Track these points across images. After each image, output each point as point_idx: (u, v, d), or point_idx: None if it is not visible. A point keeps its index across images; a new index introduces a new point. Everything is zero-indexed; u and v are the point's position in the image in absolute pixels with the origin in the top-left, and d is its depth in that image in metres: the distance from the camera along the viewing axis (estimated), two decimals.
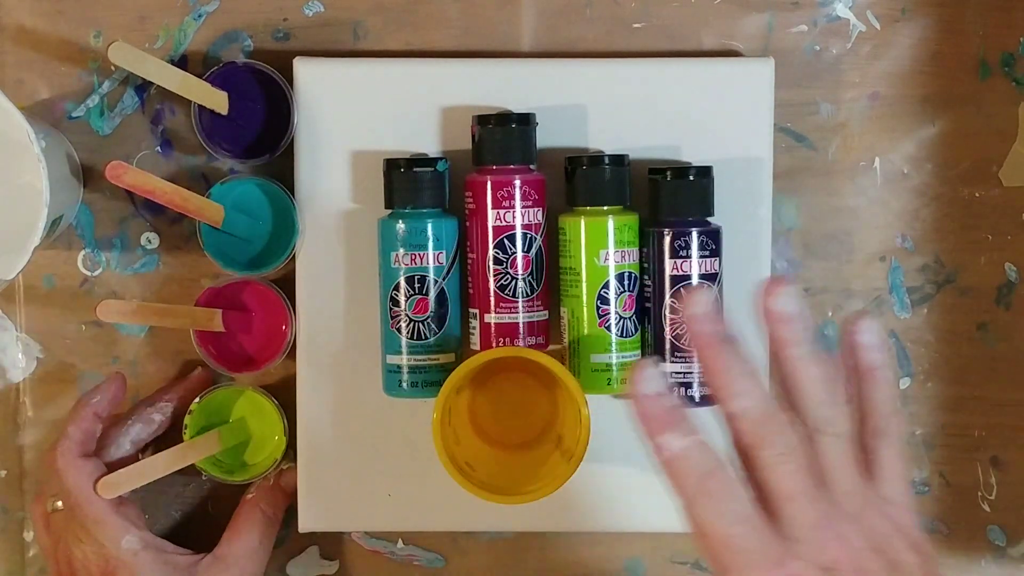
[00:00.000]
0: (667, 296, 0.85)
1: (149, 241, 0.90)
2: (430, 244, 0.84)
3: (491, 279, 0.84)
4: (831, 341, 0.91)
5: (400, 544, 0.92)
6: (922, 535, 0.65)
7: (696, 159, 0.87)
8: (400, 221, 0.84)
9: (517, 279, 0.84)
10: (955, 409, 0.92)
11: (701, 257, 0.85)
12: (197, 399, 0.88)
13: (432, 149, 0.87)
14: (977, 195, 0.92)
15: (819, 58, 0.91)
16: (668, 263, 0.85)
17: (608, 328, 0.85)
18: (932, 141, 0.91)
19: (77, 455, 0.84)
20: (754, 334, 0.88)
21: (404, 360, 0.85)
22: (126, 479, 0.84)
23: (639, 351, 0.86)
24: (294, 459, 0.89)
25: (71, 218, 0.89)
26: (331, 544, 0.92)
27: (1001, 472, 0.92)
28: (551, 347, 0.86)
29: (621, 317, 0.85)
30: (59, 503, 0.85)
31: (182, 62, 0.89)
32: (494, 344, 0.84)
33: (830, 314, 0.91)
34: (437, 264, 0.84)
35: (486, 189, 0.84)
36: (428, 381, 0.84)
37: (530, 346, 0.85)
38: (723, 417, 0.65)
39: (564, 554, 0.92)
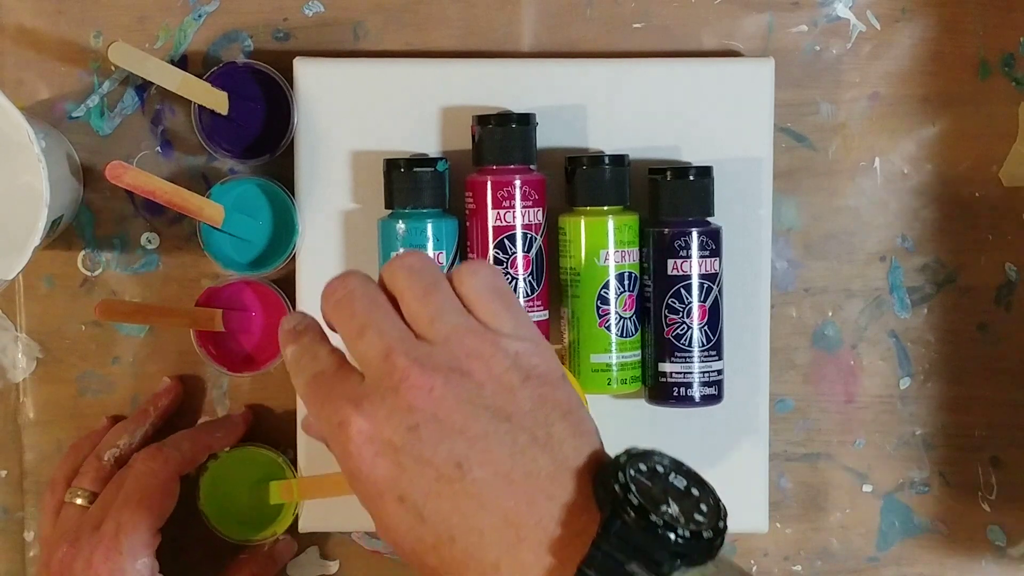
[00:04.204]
0: (667, 296, 0.85)
1: (149, 241, 0.90)
2: (430, 244, 0.84)
3: None
4: (831, 341, 0.91)
5: None
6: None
7: (696, 159, 0.87)
8: (400, 221, 0.84)
9: (517, 279, 0.84)
10: (955, 409, 0.92)
11: (701, 257, 0.85)
12: (215, 456, 0.88)
13: (432, 149, 0.87)
14: (977, 195, 0.92)
15: (819, 58, 0.91)
16: (668, 263, 0.85)
17: (608, 328, 0.85)
18: (932, 141, 0.91)
19: (178, 473, 0.85)
20: (753, 333, 0.88)
21: None
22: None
23: (639, 351, 0.86)
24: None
25: (71, 218, 0.89)
26: (331, 544, 0.92)
27: (1001, 472, 0.92)
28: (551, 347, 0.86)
29: (621, 317, 0.85)
30: (78, 499, 0.85)
31: (182, 62, 0.89)
32: None
33: (830, 314, 0.91)
34: (437, 264, 0.84)
35: (486, 189, 0.84)
36: None
37: None
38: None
39: None
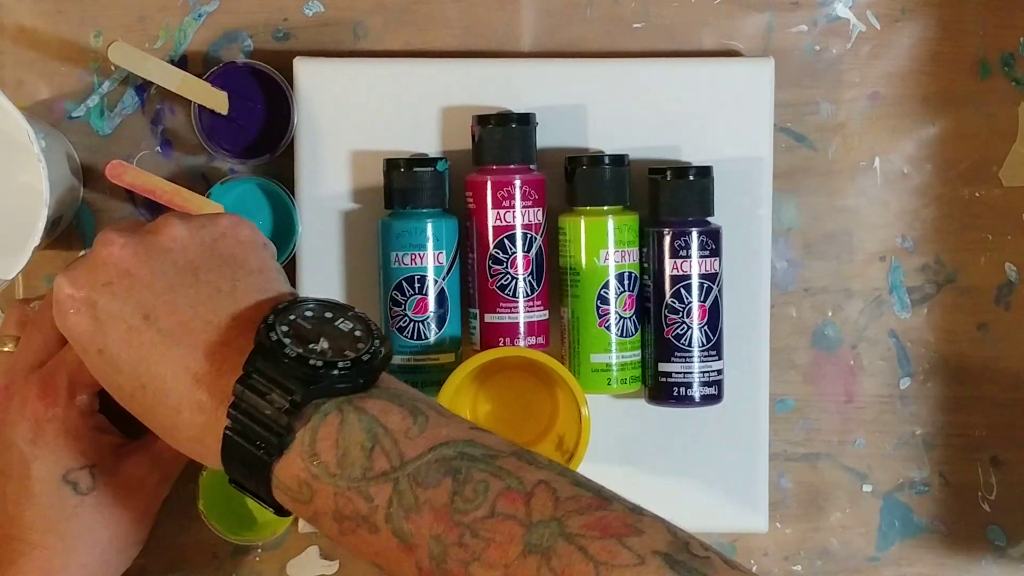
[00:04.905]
0: (667, 296, 0.85)
1: None
2: (430, 244, 0.84)
3: (491, 279, 0.84)
4: (831, 341, 0.91)
5: None
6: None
7: (696, 159, 0.87)
8: (400, 221, 0.84)
9: (517, 279, 0.84)
10: (955, 409, 0.92)
11: (701, 257, 0.85)
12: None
13: (432, 149, 0.87)
14: (977, 195, 0.92)
15: (819, 58, 0.91)
16: (668, 263, 0.85)
17: (608, 328, 0.85)
18: (932, 141, 0.91)
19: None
20: (753, 333, 0.89)
21: (404, 360, 0.85)
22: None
23: (639, 351, 0.86)
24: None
25: (71, 218, 0.89)
26: (331, 544, 0.92)
27: (1001, 472, 0.92)
28: (551, 347, 0.86)
29: (621, 317, 0.85)
30: (6, 347, 0.81)
31: (182, 62, 0.89)
32: (494, 344, 0.84)
33: (830, 314, 0.91)
34: (437, 264, 0.84)
35: (486, 189, 0.84)
36: (428, 381, 0.84)
37: (530, 346, 0.85)
38: None
39: None
